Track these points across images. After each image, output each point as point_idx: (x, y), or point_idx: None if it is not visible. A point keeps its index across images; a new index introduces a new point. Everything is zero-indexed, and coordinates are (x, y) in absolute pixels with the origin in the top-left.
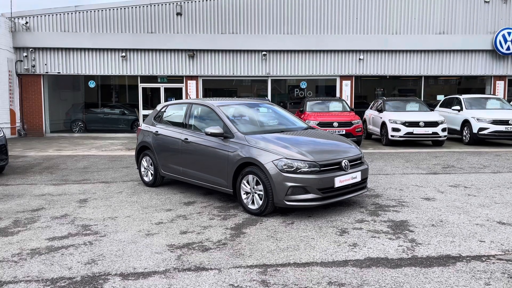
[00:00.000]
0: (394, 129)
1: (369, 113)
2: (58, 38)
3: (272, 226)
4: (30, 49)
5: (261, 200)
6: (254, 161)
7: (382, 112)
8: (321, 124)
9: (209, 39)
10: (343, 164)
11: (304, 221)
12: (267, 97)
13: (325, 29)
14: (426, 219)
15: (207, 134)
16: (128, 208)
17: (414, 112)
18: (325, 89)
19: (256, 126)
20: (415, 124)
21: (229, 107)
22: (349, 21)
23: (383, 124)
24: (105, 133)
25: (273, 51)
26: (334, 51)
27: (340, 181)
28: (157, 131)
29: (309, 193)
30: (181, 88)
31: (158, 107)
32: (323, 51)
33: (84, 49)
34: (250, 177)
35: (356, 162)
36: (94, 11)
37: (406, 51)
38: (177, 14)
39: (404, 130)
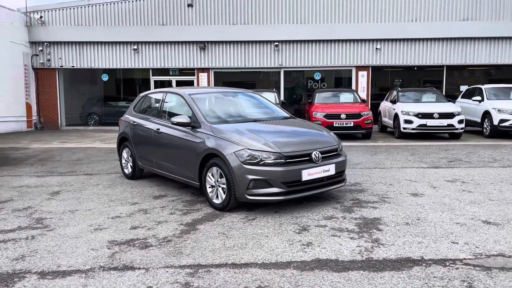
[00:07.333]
0: (407, 121)
1: (384, 105)
2: (72, 32)
3: (230, 222)
4: (45, 43)
5: (224, 194)
6: (217, 152)
7: (395, 104)
8: (328, 116)
9: (220, 30)
10: (313, 156)
11: (267, 217)
12: (274, 89)
13: (338, 18)
14: (402, 217)
15: (173, 123)
16: (95, 201)
17: (429, 103)
18: (341, 80)
19: (228, 115)
20: (429, 115)
21: (201, 95)
22: (364, 8)
23: (396, 116)
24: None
25: (285, 41)
26: (349, 40)
27: (309, 174)
28: (134, 122)
29: (272, 186)
30: (192, 81)
31: (139, 97)
32: (337, 40)
33: (97, 42)
34: (214, 169)
35: (331, 154)
36: (106, 4)
37: (427, 39)
38: (188, 5)
39: (417, 122)
